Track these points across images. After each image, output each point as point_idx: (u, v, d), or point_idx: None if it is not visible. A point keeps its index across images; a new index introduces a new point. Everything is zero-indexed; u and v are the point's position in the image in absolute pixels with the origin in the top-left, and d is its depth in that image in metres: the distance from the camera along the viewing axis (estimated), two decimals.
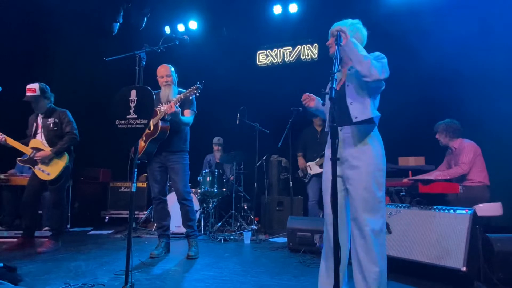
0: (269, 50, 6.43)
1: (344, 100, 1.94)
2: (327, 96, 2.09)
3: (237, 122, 4.90)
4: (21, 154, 3.54)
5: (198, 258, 3.23)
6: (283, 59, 6.33)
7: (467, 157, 3.34)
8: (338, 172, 1.86)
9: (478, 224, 2.46)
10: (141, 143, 3.25)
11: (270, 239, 4.40)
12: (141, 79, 2.33)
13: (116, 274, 2.58)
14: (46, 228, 4.17)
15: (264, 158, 5.33)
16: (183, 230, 3.70)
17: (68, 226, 4.79)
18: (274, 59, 6.40)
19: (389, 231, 2.74)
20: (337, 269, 1.53)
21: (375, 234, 1.81)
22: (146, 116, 2.19)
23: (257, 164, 5.07)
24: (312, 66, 6.00)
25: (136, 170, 2.23)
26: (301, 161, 4.79)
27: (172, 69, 3.43)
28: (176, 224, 4.19)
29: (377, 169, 1.87)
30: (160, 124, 3.17)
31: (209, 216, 4.69)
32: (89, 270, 2.72)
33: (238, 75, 6.10)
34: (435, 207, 2.67)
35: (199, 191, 4.78)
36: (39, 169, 3.40)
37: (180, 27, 6.57)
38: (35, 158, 3.38)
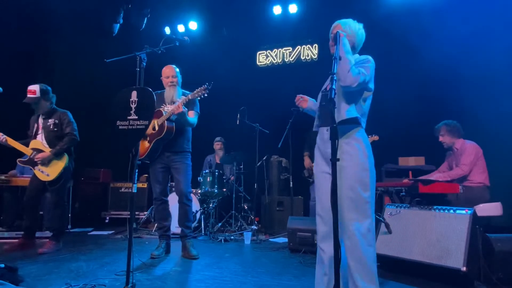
0: (269, 51, 6.44)
1: None
2: (319, 96, 2.10)
3: (237, 123, 4.90)
4: (22, 154, 3.54)
5: (199, 258, 3.24)
6: (283, 60, 6.33)
7: (468, 159, 3.34)
8: (327, 170, 1.91)
9: (478, 224, 2.47)
10: (146, 144, 3.24)
11: (270, 239, 4.40)
12: (141, 80, 2.34)
13: (117, 275, 2.59)
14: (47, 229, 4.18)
15: (264, 158, 5.34)
16: None
17: (69, 226, 4.79)
18: (274, 60, 6.40)
19: (389, 231, 2.75)
20: (337, 269, 1.53)
21: (361, 234, 1.79)
22: (146, 117, 2.19)
23: (257, 164, 5.07)
24: (312, 67, 6.00)
25: (136, 170, 2.23)
26: (307, 161, 4.78)
27: (178, 70, 3.44)
28: (176, 224, 4.17)
29: (362, 169, 1.86)
30: (166, 124, 3.16)
31: (210, 217, 4.69)
32: (90, 270, 2.72)
33: (238, 75, 6.11)
34: (435, 207, 2.67)
35: (199, 191, 4.78)
36: (39, 170, 3.41)
37: (180, 28, 6.58)
38: (35, 159, 3.38)
